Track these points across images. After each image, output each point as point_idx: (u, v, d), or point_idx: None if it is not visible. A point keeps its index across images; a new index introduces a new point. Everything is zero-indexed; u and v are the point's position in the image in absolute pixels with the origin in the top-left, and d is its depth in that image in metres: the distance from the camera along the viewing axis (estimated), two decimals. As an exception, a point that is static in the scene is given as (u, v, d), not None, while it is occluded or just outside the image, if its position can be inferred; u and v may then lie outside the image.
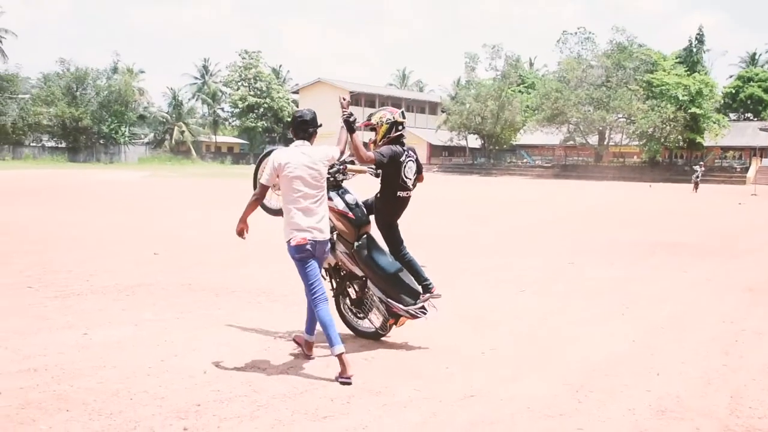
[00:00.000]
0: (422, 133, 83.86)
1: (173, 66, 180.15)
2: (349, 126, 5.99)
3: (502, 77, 75.58)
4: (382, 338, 6.38)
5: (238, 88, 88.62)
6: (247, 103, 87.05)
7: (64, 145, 78.69)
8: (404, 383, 5.14)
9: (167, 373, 5.19)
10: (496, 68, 76.30)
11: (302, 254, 5.40)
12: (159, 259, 10.93)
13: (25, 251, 11.33)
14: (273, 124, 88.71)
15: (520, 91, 78.66)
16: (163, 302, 7.76)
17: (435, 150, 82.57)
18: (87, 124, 76.30)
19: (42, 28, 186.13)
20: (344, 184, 6.45)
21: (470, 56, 77.23)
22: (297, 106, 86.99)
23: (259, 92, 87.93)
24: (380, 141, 6.38)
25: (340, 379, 5.16)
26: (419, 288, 6.25)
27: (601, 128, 70.49)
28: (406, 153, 6.32)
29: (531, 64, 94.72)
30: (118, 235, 14.04)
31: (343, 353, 5.24)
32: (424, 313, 6.15)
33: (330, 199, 6.10)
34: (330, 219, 5.91)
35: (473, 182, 53.76)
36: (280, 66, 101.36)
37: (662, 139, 64.75)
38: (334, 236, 6.15)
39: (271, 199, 6.65)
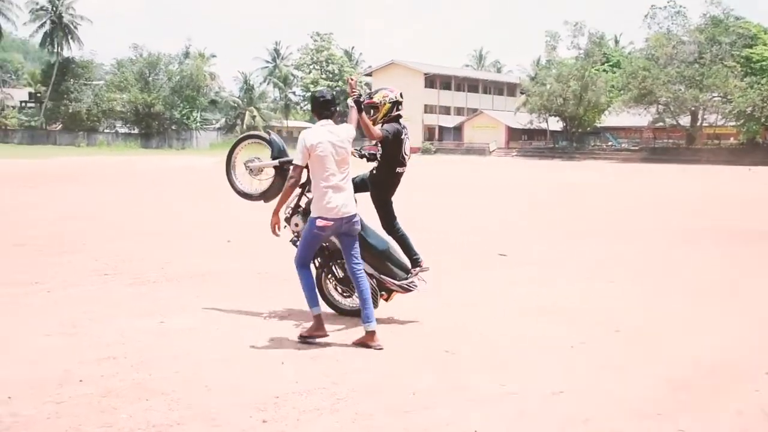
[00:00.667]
0: (500, 116, 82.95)
1: (244, 50, 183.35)
2: (360, 106, 6.35)
3: (585, 56, 73.85)
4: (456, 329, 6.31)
5: (309, 72, 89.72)
6: (319, 87, 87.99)
7: (137, 131, 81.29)
8: (489, 377, 5.05)
9: (244, 363, 5.25)
10: (578, 46, 74.66)
11: (322, 233, 5.84)
12: (232, 247, 11.11)
13: (100, 238, 11.69)
14: (346, 108, 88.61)
15: (604, 70, 76.64)
16: (237, 290, 7.88)
17: (514, 133, 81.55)
18: (159, 109, 78.61)
19: (116, 14, 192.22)
20: None
21: (551, 34, 75.83)
22: (370, 89, 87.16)
23: (331, 75, 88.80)
24: (381, 119, 6.72)
25: (308, 339, 5.80)
26: (408, 263, 6.70)
27: (693, 108, 68.00)
28: (404, 131, 6.71)
29: (616, 42, 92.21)
30: (191, 221, 14.35)
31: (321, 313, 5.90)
32: (416, 286, 6.59)
33: None
34: None
35: (555, 167, 52.89)
36: (353, 48, 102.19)
37: (763, 119, 62.10)
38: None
39: (243, 183, 7.33)
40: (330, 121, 5.93)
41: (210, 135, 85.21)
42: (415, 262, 6.74)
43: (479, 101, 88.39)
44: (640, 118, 71.97)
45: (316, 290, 6.05)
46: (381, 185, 6.76)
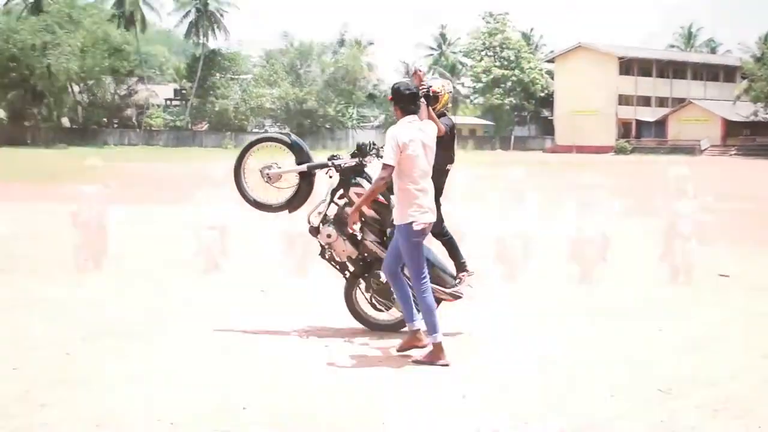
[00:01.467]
0: (714, 106, 79.29)
1: (406, 36, 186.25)
2: (429, 100, 6.64)
3: (827, 29, 69.32)
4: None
5: (481, 59, 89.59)
6: (492, 77, 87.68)
7: (287, 130, 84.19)
8: (715, 426, 4.86)
9: (423, 398, 5.34)
10: (819, 17, 70.24)
11: (423, 237, 6.16)
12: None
13: (250, 251, 12.22)
14: (523, 100, 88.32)
15: None
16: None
17: (732, 127, 77.60)
18: (312, 106, 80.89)
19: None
20: (366, 169, 7.04)
21: (782, 4, 71.80)
22: (552, 78, 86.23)
23: (506, 63, 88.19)
24: (439, 110, 7.05)
25: (438, 363, 6.02)
26: (453, 269, 7.09)
27: None
28: None
29: None
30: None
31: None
32: (463, 293, 6.96)
33: (360, 185, 6.86)
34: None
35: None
36: (532, 30, 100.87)
37: None
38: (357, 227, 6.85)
39: (257, 192, 7.46)
40: (416, 117, 6.24)
41: (368, 134, 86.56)
42: (462, 266, 7.17)
43: (688, 89, 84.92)
44: None
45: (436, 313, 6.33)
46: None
